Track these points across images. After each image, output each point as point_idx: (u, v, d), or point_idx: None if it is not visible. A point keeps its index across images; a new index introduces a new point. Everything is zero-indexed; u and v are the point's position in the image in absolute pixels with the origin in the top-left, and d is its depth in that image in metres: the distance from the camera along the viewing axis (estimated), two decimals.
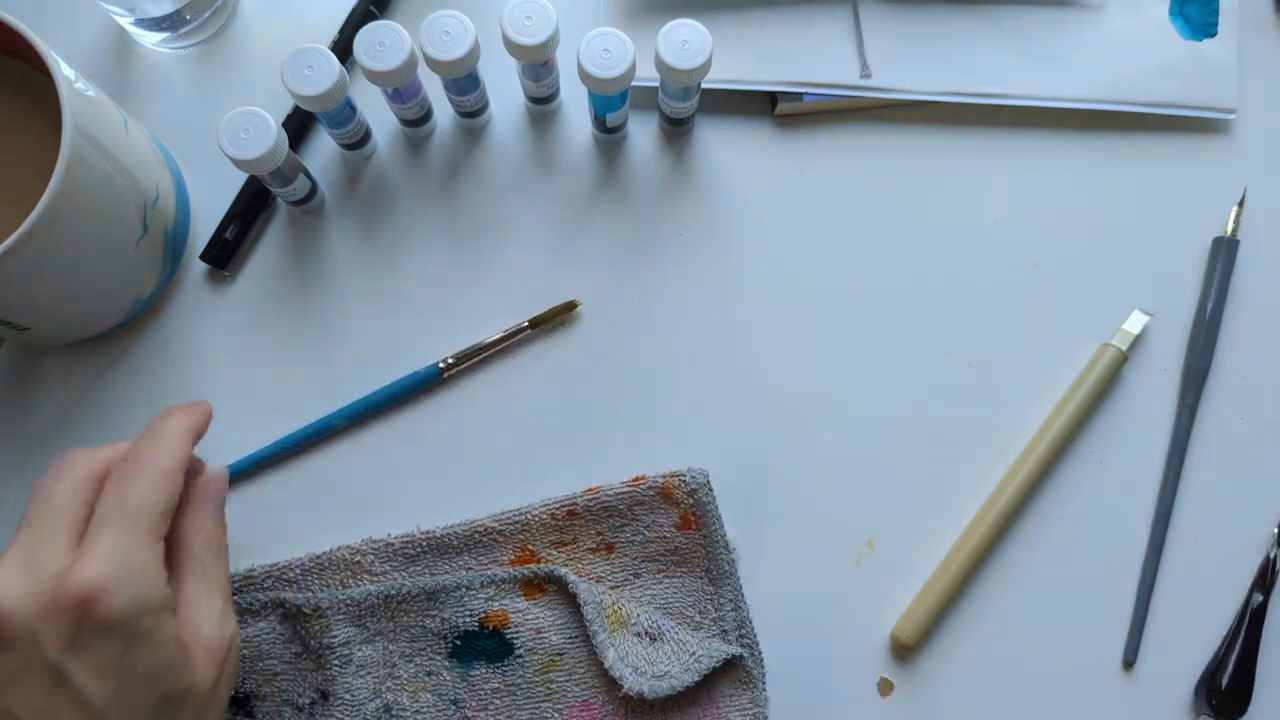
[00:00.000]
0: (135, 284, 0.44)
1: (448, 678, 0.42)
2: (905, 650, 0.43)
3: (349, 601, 0.41)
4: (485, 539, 0.43)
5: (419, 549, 0.43)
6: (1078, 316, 0.47)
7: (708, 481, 0.43)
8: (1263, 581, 0.44)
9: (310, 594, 0.42)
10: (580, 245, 0.47)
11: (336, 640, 0.41)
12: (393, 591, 0.42)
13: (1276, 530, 0.45)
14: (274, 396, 0.45)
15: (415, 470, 0.45)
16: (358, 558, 0.43)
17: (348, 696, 0.41)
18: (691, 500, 0.42)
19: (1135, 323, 0.46)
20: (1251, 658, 0.43)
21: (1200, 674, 0.44)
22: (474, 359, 0.45)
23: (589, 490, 0.43)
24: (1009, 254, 0.48)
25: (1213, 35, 0.48)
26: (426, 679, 0.42)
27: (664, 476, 0.43)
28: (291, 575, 0.42)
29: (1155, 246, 0.48)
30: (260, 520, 0.44)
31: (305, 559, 0.43)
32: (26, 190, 0.37)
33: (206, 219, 0.47)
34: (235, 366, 0.46)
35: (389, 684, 0.41)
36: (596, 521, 0.43)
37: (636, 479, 0.43)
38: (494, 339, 0.45)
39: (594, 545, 0.43)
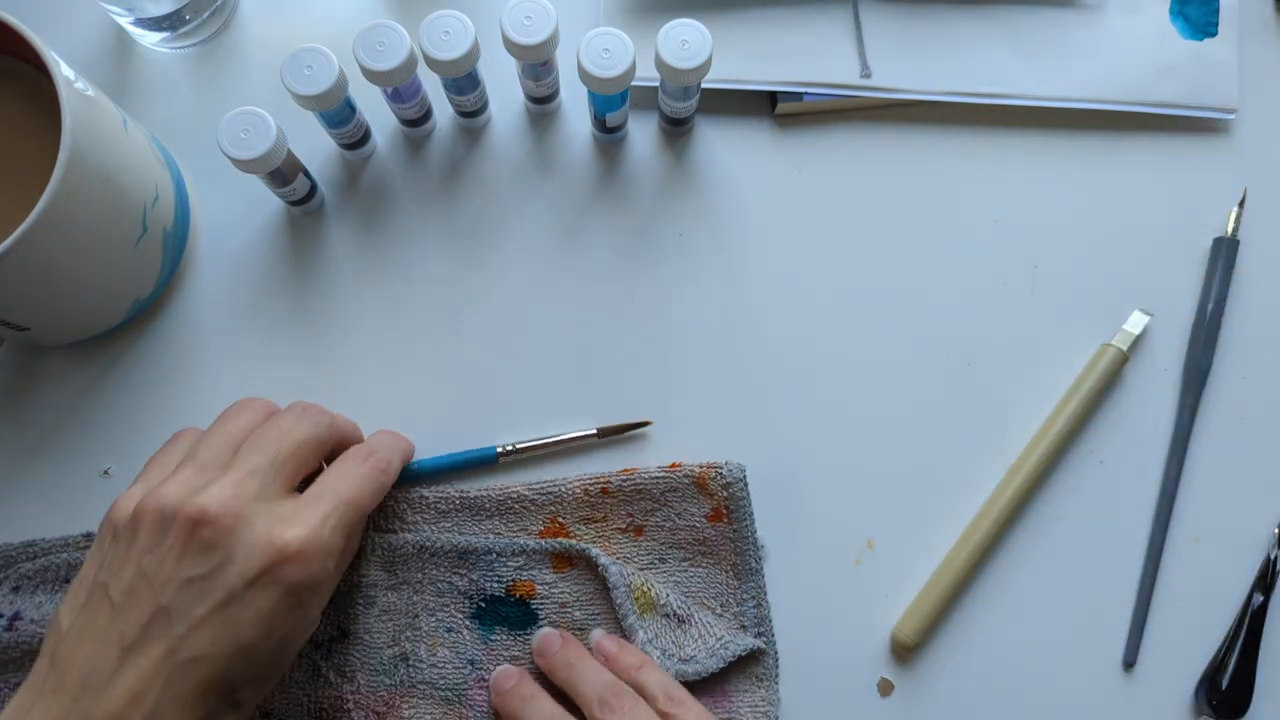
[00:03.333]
0: (135, 284, 0.44)
1: (467, 637, 0.42)
2: (905, 650, 0.43)
3: (385, 545, 0.42)
4: (517, 506, 0.43)
5: (451, 506, 0.43)
6: (1078, 316, 0.47)
7: (744, 476, 0.43)
8: (1263, 582, 0.44)
9: None
10: (580, 245, 0.47)
11: (365, 580, 0.42)
12: (427, 543, 0.42)
13: (1277, 530, 0.45)
14: (273, 397, 0.45)
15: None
16: (390, 503, 0.43)
17: (367, 638, 0.42)
18: (726, 493, 0.43)
19: (1135, 323, 0.46)
20: (1251, 658, 0.43)
21: (1200, 674, 0.44)
22: (531, 452, 0.44)
23: (625, 470, 0.43)
24: (1009, 254, 0.48)
25: (1213, 35, 0.48)
26: (446, 635, 0.42)
27: (701, 466, 0.43)
28: None
29: (1155, 246, 0.48)
30: None
31: None
32: (26, 190, 0.37)
33: (206, 219, 0.47)
34: (235, 366, 0.46)
35: (408, 633, 0.42)
36: (628, 503, 0.43)
37: (673, 465, 0.43)
38: (558, 439, 0.44)
39: (623, 525, 0.43)
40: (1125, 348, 0.46)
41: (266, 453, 0.37)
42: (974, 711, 0.43)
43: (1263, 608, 0.44)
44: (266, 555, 0.34)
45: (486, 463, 0.44)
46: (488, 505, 0.43)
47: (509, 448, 0.44)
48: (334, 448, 0.40)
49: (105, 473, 0.45)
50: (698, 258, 0.47)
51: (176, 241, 0.46)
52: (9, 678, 0.41)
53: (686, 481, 0.43)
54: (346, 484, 0.38)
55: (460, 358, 0.46)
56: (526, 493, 0.43)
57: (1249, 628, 0.43)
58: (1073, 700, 0.43)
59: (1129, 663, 0.44)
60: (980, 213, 0.48)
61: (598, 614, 0.42)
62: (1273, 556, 0.44)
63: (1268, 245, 0.48)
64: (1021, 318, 0.47)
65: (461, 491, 0.43)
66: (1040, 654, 0.44)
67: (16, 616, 0.41)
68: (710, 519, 0.43)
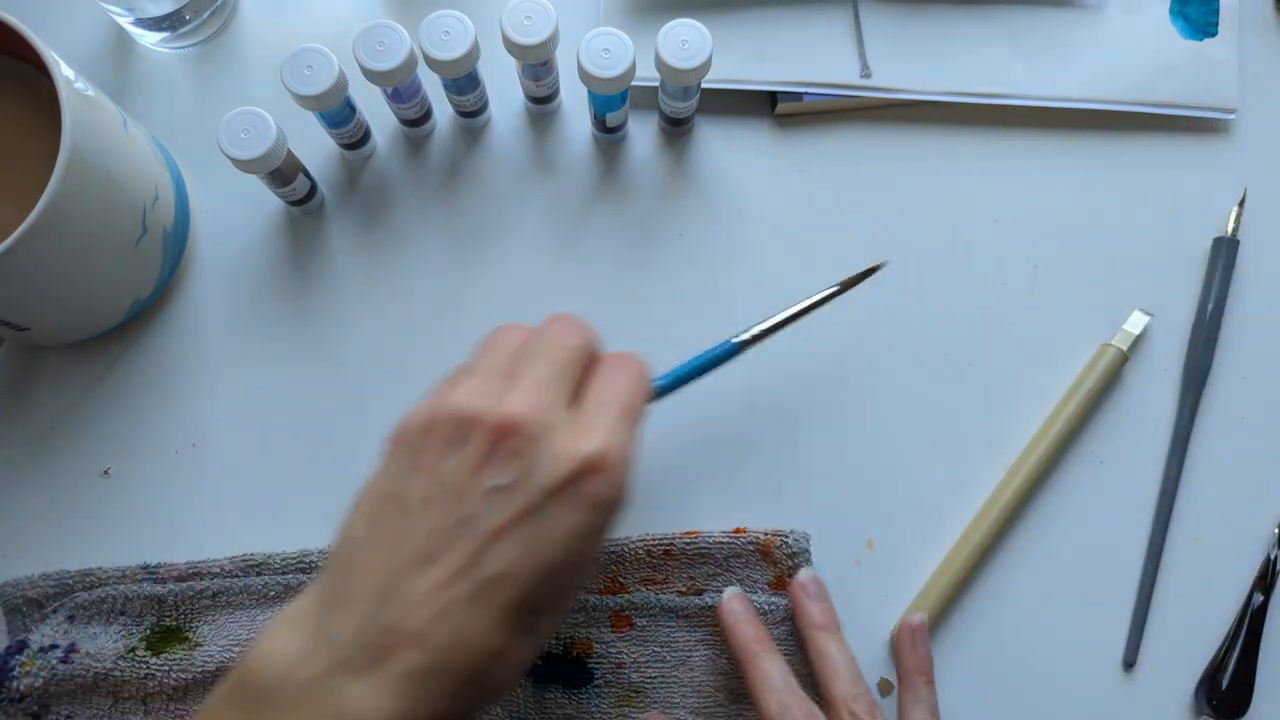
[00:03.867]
0: (135, 284, 0.44)
1: (520, 695, 0.41)
2: None
3: None
4: None
5: None
6: (1078, 316, 0.47)
7: (808, 546, 0.43)
8: (1263, 581, 0.44)
9: None
10: (580, 245, 0.47)
11: None
12: None
13: (1277, 530, 0.45)
14: (274, 397, 0.45)
15: None
16: None
17: None
18: (791, 563, 0.42)
19: (1135, 323, 0.46)
20: (1251, 658, 0.43)
21: (1200, 674, 0.44)
22: (773, 334, 0.41)
23: (688, 533, 0.43)
24: (1009, 254, 0.48)
25: (1213, 35, 0.48)
26: None
27: (766, 534, 0.42)
28: None
29: (1155, 246, 0.48)
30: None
31: None
32: (26, 190, 0.37)
33: (206, 219, 0.47)
34: (235, 366, 0.46)
35: None
36: (690, 565, 0.43)
37: (737, 530, 0.43)
38: (799, 309, 0.41)
39: (684, 588, 0.43)
40: (1125, 348, 0.46)
41: (550, 362, 0.34)
42: (974, 711, 0.43)
43: (1263, 608, 0.44)
44: (570, 466, 0.31)
45: (726, 359, 0.40)
46: None
47: (746, 337, 0.40)
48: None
49: (105, 473, 0.45)
50: (698, 257, 0.47)
51: (176, 241, 0.46)
52: (63, 709, 0.40)
53: (751, 548, 0.42)
54: (622, 392, 0.35)
55: (460, 358, 0.46)
56: None
57: (1249, 628, 0.43)
58: (1073, 700, 0.43)
59: (1129, 663, 0.44)
60: (980, 213, 0.48)
61: (654, 678, 0.42)
62: (1273, 556, 0.44)
63: (1268, 245, 0.48)
64: (1021, 318, 0.47)
65: None
66: (1040, 654, 0.44)
67: (72, 648, 0.40)
68: (773, 587, 0.42)
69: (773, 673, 0.39)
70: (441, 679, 0.29)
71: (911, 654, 0.41)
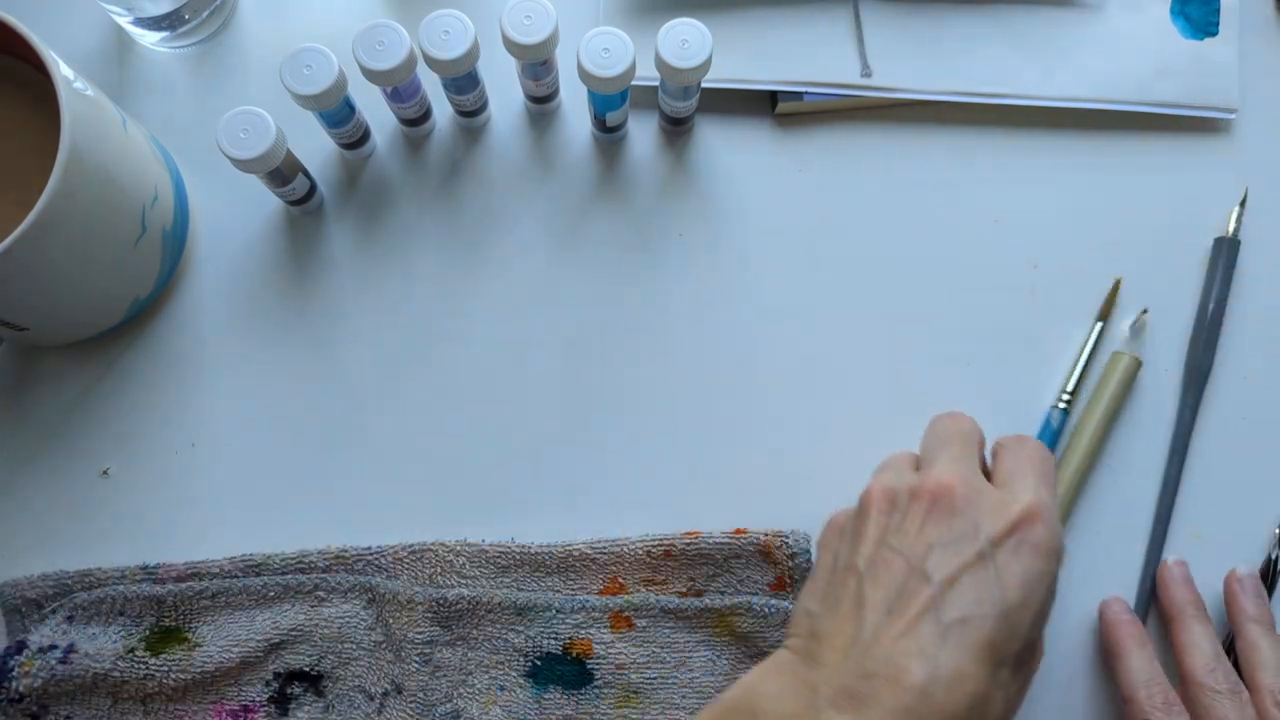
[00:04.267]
0: (134, 284, 0.44)
1: (520, 696, 0.41)
2: None
3: (441, 601, 0.41)
4: (578, 564, 0.43)
5: (512, 561, 0.43)
6: (1078, 317, 0.47)
7: (809, 546, 0.43)
8: (1264, 581, 0.44)
9: (403, 584, 0.42)
10: (580, 245, 0.47)
11: (421, 637, 0.41)
12: (484, 598, 0.42)
13: (1277, 530, 0.45)
14: (273, 397, 0.45)
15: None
16: (450, 557, 0.43)
17: (421, 695, 0.41)
18: (791, 563, 0.42)
19: (1137, 323, 0.46)
20: None
21: None
22: (1080, 389, 0.45)
23: (688, 534, 0.43)
24: (1009, 254, 0.48)
25: (1213, 35, 0.48)
26: (499, 693, 0.41)
27: (766, 534, 0.42)
28: (383, 563, 0.42)
29: (1155, 246, 0.48)
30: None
31: (399, 547, 0.43)
32: (25, 190, 0.37)
33: (206, 219, 0.47)
34: (234, 366, 0.46)
35: (461, 690, 0.41)
36: (691, 566, 0.43)
37: (738, 531, 0.43)
38: (1087, 355, 0.45)
39: (684, 589, 0.43)
40: (1136, 352, 0.45)
41: (954, 442, 0.37)
42: None
43: None
44: (1007, 518, 0.34)
45: (1063, 426, 0.45)
46: (549, 562, 0.43)
47: (1066, 399, 0.45)
48: None
49: (105, 473, 0.45)
50: (698, 258, 0.47)
51: (175, 241, 0.46)
52: (62, 710, 0.40)
53: (751, 549, 0.42)
54: (1033, 460, 0.37)
55: (459, 357, 0.46)
56: (589, 551, 0.43)
57: None
58: (1074, 700, 0.43)
59: None
60: (980, 213, 0.48)
61: (654, 679, 0.41)
62: (1273, 556, 0.44)
63: (1269, 245, 0.48)
64: (1021, 318, 0.47)
65: (523, 547, 0.43)
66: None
67: (71, 649, 0.40)
68: (773, 587, 0.42)
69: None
70: (925, 718, 0.30)
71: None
